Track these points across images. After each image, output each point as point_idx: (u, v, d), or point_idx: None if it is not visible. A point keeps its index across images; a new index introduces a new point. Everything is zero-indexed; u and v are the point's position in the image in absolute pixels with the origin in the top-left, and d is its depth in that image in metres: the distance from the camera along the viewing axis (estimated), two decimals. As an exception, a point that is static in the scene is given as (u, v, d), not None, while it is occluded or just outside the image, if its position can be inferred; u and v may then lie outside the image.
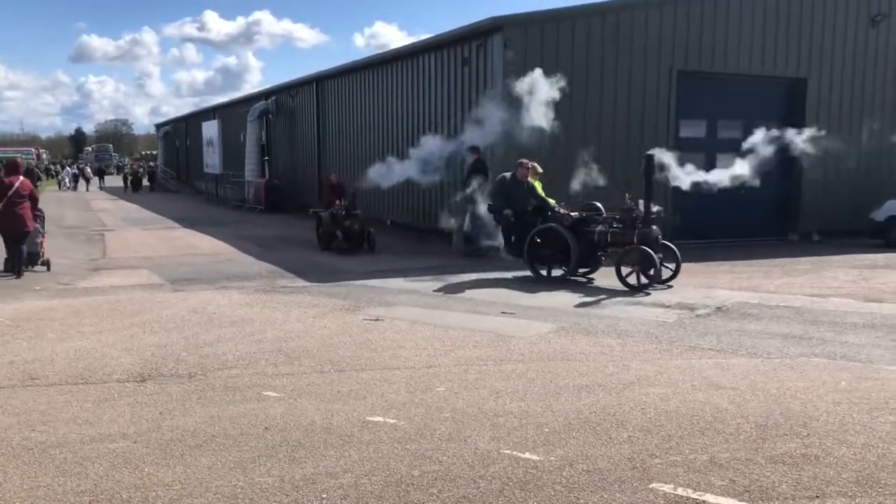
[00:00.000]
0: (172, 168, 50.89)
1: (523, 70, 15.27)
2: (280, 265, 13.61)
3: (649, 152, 11.49)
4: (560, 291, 10.94)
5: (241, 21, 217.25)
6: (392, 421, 5.14)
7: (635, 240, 11.05)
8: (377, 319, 8.79)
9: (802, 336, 7.82)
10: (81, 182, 48.47)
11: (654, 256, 10.81)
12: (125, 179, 46.43)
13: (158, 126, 59.01)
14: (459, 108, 16.82)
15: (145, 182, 46.53)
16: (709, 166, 13.55)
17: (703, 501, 3.87)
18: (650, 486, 4.05)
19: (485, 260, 14.11)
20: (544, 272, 12.09)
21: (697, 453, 4.48)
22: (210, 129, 38.45)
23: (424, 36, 20.51)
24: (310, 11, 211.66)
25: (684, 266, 11.49)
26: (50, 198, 32.91)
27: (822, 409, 5.26)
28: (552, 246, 11.83)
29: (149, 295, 10.76)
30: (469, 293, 10.81)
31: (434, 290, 11.02)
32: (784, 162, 15.63)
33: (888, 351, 7.13)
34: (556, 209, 12.03)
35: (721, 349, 7.28)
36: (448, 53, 17.28)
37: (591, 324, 8.53)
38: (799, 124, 18.12)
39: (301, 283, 11.81)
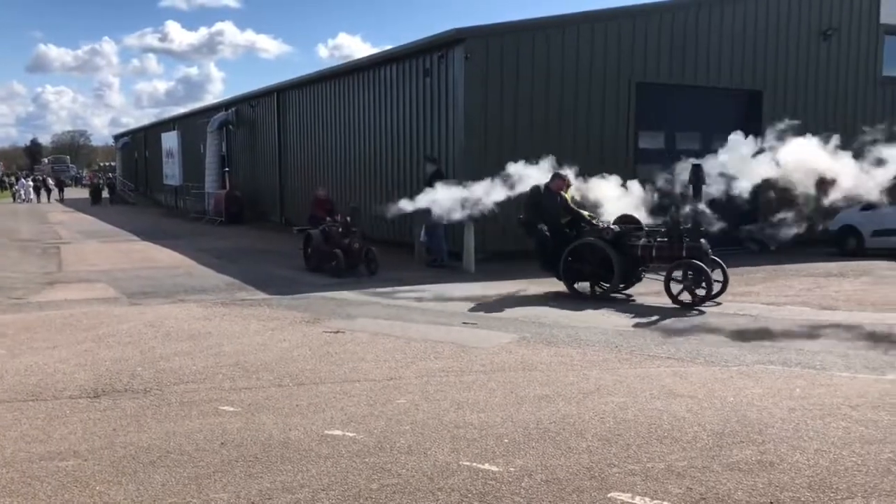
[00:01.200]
0: (131, 180, 50.07)
1: (484, 81, 15.40)
2: (239, 277, 13.43)
3: (696, 162, 10.60)
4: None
5: (203, 31, 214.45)
6: (351, 434, 5.09)
7: (684, 254, 10.44)
8: (338, 332, 8.72)
9: (759, 344, 7.95)
10: (42, 194, 47.55)
11: (708, 271, 10.12)
12: (91, 191, 45.50)
13: (117, 137, 57.98)
14: (421, 119, 16.85)
15: (105, 194, 45.79)
16: (668, 177, 13.63)
17: (661, 510, 3.90)
18: (608, 495, 4.06)
19: (448, 271, 14.12)
20: (580, 289, 11.32)
21: (655, 462, 4.51)
22: (169, 140, 37.93)
23: (388, 47, 20.49)
24: (273, 22, 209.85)
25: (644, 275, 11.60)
26: (4, 210, 32.13)
27: (777, 416, 5.34)
28: (591, 261, 11.06)
29: (105, 309, 10.55)
30: (435, 303, 10.79)
31: (396, 302, 10.98)
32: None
33: (840, 358, 7.28)
34: (594, 222, 11.36)
35: (679, 358, 7.36)
36: (410, 65, 17.32)
37: (551, 333, 8.56)
38: (755, 136, 18.57)
39: (261, 295, 11.68)
